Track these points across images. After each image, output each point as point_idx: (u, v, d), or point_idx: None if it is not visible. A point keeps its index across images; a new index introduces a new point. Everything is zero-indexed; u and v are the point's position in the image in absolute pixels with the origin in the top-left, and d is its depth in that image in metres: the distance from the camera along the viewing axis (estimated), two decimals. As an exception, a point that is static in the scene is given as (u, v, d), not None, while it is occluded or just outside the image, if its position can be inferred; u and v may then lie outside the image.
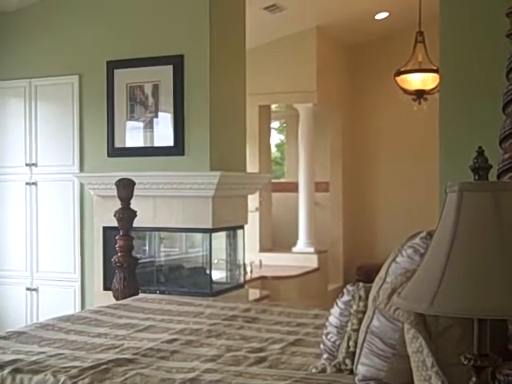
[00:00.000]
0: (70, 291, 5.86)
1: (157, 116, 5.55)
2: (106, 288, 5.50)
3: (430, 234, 2.03)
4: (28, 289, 6.02)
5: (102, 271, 5.67)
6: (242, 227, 5.86)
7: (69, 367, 2.37)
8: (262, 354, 2.53)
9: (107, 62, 5.69)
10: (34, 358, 2.48)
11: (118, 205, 4.21)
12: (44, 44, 5.99)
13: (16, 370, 2.36)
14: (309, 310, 3.42)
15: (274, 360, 2.46)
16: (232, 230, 5.79)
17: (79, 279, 5.84)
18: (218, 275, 5.75)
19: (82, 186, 5.83)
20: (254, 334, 2.89)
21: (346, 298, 2.34)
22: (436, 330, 1.82)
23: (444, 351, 1.80)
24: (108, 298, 4.38)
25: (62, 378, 2.28)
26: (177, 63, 5.42)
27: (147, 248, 5.84)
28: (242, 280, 5.99)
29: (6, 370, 2.36)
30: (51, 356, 2.52)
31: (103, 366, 2.37)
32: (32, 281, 6.02)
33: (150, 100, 5.55)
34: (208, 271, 5.50)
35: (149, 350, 2.61)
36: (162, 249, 5.94)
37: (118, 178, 4.27)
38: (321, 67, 8.18)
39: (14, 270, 6.08)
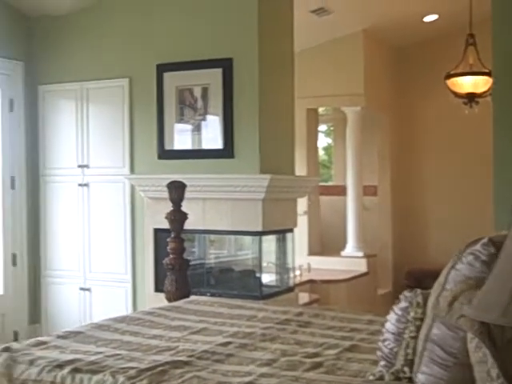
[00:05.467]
0: (121, 292, 5.94)
1: (205, 119, 5.58)
2: (157, 289, 5.56)
3: (492, 241, 1.99)
4: (82, 289, 6.12)
5: (153, 273, 5.72)
6: (291, 230, 5.85)
7: (126, 368, 2.39)
8: (318, 360, 2.51)
9: (157, 66, 5.75)
10: (92, 358, 2.51)
11: (168, 207, 4.23)
12: (95, 47, 6.09)
13: (75, 370, 2.39)
14: (362, 316, 3.38)
15: (330, 366, 2.44)
16: (281, 233, 5.78)
17: (131, 280, 5.91)
18: (267, 278, 5.74)
19: (132, 187, 5.90)
20: (308, 339, 2.88)
21: (403, 304, 2.31)
22: (501, 341, 1.78)
23: (509, 364, 1.76)
24: (159, 300, 4.41)
25: (121, 378, 2.30)
26: (226, 66, 5.44)
27: (196, 250, 5.87)
28: (291, 283, 5.97)
29: (66, 370, 2.39)
30: (109, 356, 2.55)
31: (160, 368, 2.38)
32: (85, 281, 6.11)
33: (200, 103, 5.59)
34: (257, 274, 5.50)
35: (204, 353, 2.61)
36: (212, 251, 5.96)
37: (168, 180, 4.29)
38: (368, 70, 8.12)
39: (67, 269, 6.20)
